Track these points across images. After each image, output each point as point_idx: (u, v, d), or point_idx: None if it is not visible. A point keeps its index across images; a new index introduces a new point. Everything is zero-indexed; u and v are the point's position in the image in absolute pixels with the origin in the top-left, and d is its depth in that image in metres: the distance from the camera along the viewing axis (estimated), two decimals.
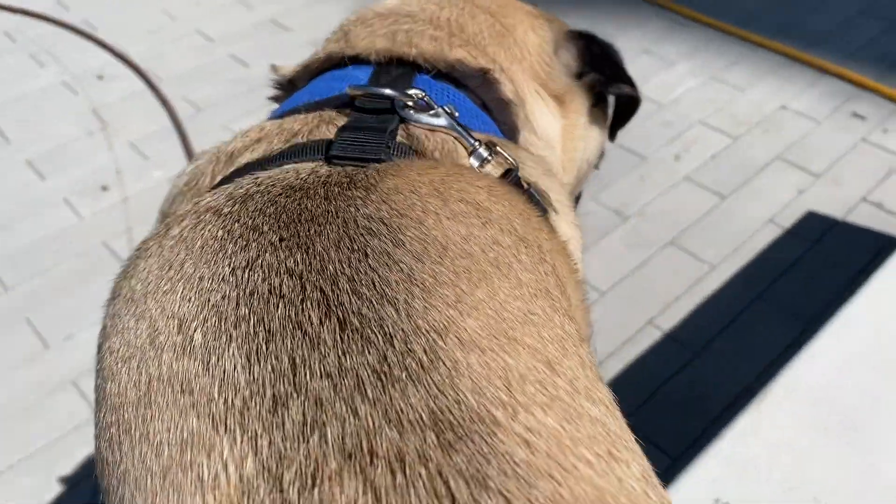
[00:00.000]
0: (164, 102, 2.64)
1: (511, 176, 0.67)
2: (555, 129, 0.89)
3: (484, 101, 0.79)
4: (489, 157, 0.68)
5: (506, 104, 0.81)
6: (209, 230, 0.52)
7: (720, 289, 1.95)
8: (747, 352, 1.79)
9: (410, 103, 0.68)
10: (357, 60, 0.79)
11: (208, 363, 0.42)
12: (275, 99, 0.88)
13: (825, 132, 2.43)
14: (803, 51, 2.77)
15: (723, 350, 1.80)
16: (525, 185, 0.68)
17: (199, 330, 0.44)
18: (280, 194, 0.54)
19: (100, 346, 0.51)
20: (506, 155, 0.69)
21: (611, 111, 1.08)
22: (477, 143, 0.68)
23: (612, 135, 1.08)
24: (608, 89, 0.98)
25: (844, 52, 2.76)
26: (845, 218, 2.12)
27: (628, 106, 1.03)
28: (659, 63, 2.76)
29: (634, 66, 2.72)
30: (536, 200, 0.67)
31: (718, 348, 1.81)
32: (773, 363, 1.75)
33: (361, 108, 0.67)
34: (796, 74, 2.68)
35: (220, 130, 2.51)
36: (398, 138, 0.65)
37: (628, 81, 0.99)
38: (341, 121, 0.67)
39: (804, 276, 1.96)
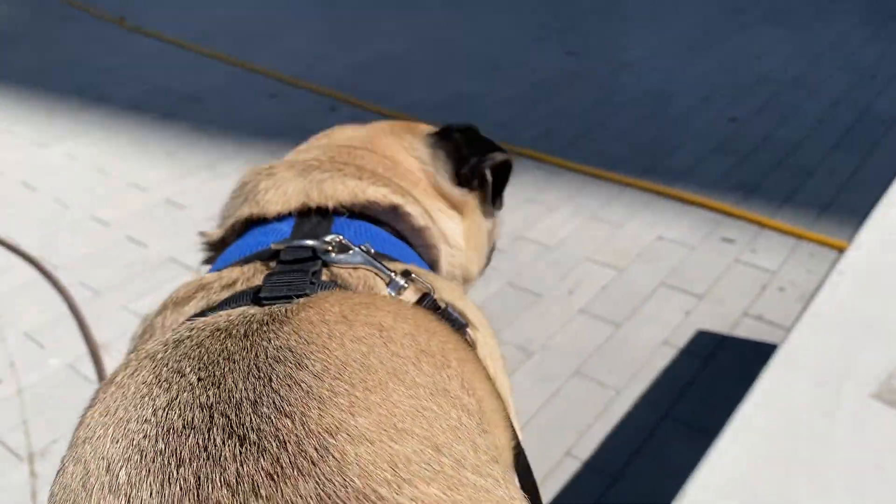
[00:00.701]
0: (59, 289, 2.60)
1: (427, 299, 0.74)
2: (461, 233, 1.01)
3: (400, 231, 0.89)
4: (405, 285, 0.76)
5: (419, 230, 0.91)
6: (142, 376, 0.57)
7: (628, 412, 2.02)
8: (663, 470, 1.84)
9: (330, 248, 0.76)
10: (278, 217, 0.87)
11: (129, 497, 0.47)
12: (207, 261, 0.93)
13: (700, 257, 2.63)
14: (669, 186, 3.04)
15: (640, 472, 1.85)
16: (443, 305, 0.75)
17: (123, 469, 0.49)
18: (207, 337, 0.59)
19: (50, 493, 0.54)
20: (421, 281, 0.77)
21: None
22: (393, 274, 0.76)
23: (497, 202, 1.13)
24: (484, 165, 1.04)
25: (706, 184, 3.04)
26: (732, 332, 2.27)
27: (503, 170, 1.09)
28: (542, 209, 2.96)
29: (521, 213, 2.91)
30: (454, 318, 0.75)
31: (635, 471, 1.85)
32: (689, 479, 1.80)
33: (286, 260, 0.74)
34: (667, 207, 2.93)
35: (119, 312, 2.48)
36: (322, 277, 0.73)
37: (496, 148, 1.06)
38: (270, 270, 0.74)
39: (703, 390, 2.06)
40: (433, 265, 0.95)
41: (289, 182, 0.88)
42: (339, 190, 0.87)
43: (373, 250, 0.78)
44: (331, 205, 0.85)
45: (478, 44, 4.63)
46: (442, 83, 4.11)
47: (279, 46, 4.70)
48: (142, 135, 3.76)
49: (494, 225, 1.17)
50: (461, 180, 1.04)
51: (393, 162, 0.98)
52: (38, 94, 4.25)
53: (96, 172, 3.43)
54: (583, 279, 2.56)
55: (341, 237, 0.77)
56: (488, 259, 1.19)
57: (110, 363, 2.24)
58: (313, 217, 0.84)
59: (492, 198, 1.09)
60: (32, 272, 2.72)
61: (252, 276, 0.74)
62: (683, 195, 2.97)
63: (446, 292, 0.81)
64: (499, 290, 2.52)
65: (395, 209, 0.89)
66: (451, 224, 1.00)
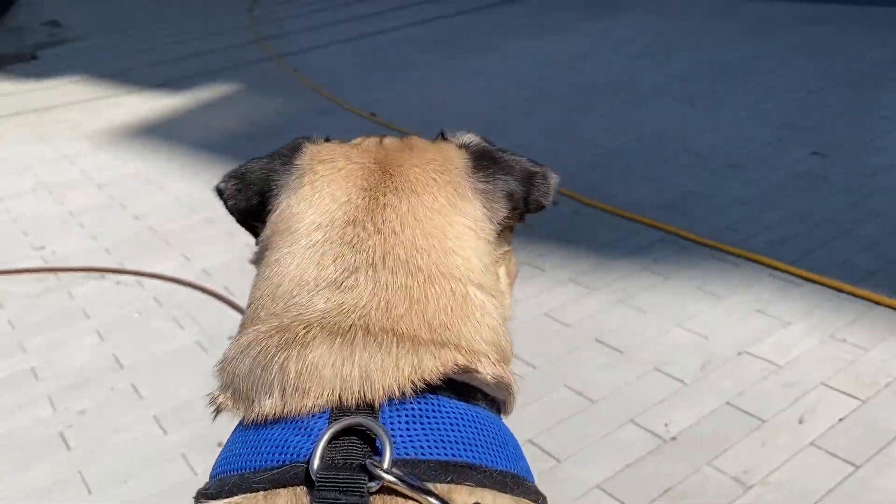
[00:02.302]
0: None
1: None
2: (504, 276, 0.90)
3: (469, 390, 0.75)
4: None
5: (492, 387, 0.76)
6: None
7: None
8: None
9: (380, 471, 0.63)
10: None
11: None
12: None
13: None
14: None
15: None
16: None
17: None
18: None
19: None
20: None
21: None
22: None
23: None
24: (549, 200, 0.93)
25: None
26: None
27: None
28: (773, 323, 2.71)
29: (747, 325, 2.68)
30: None
31: None
32: None
33: (323, 486, 0.63)
34: None
35: None
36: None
37: (520, 162, 0.93)
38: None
39: None
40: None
41: (325, 365, 0.70)
42: (386, 375, 0.69)
43: (425, 456, 0.66)
44: (377, 401, 0.68)
45: (711, 141, 4.46)
46: (668, 181, 3.99)
47: (507, 141, 4.83)
48: None
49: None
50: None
51: (463, 294, 0.78)
52: None
53: None
54: (817, 407, 2.29)
55: (390, 476, 0.63)
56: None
57: None
58: (354, 413, 0.68)
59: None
60: None
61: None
62: None
63: None
64: (715, 409, 2.32)
65: (465, 371, 0.73)
66: (501, 282, 0.88)
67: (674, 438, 2.23)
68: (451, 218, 0.83)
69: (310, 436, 0.66)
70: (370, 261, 0.78)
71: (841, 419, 2.22)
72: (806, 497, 1.96)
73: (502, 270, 0.89)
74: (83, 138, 5.83)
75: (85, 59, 8.82)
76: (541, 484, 2.18)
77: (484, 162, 0.90)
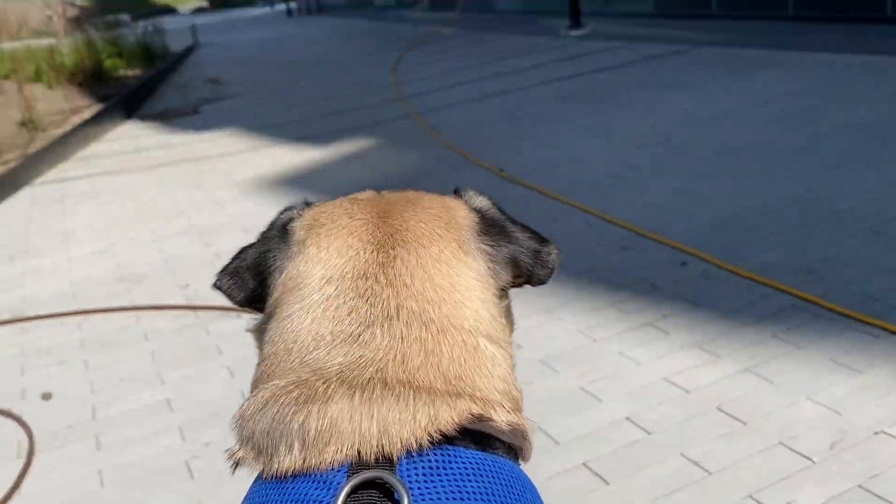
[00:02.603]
0: None
1: None
2: (507, 341, 0.87)
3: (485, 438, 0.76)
4: None
5: (507, 433, 0.77)
6: None
7: None
8: None
9: None
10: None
11: None
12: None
13: None
14: None
15: None
16: None
17: None
18: None
19: None
20: None
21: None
22: None
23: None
24: (551, 273, 0.92)
25: None
26: None
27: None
28: None
29: (887, 402, 2.48)
30: None
31: None
32: None
33: None
34: None
35: None
36: None
37: (546, 239, 0.93)
38: None
39: None
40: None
41: (344, 420, 0.71)
42: (404, 428, 0.70)
43: None
44: (395, 454, 0.69)
45: (856, 204, 4.21)
46: (806, 245, 3.79)
47: (638, 199, 4.77)
48: None
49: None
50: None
51: (457, 316, 0.81)
52: None
53: None
54: None
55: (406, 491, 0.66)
56: None
57: None
58: (372, 466, 0.69)
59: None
60: None
61: None
62: None
63: None
64: (845, 491, 2.15)
65: (477, 431, 0.74)
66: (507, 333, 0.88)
67: None
68: (458, 269, 0.84)
69: (329, 489, 0.67)
70: (385, 314, 0.78)
71: None
72: None
73: (505, 321, 0.89)
74: (233, 186, 6.25)
75: (240, 114, 9.51)
76: None
77: (491, 228, 0.90)
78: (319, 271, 0.83)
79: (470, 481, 0.69)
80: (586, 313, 3.40)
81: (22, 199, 6.63)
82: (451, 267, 0.83)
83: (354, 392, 0.72)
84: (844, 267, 3.51)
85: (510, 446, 0.78)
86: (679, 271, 3.72)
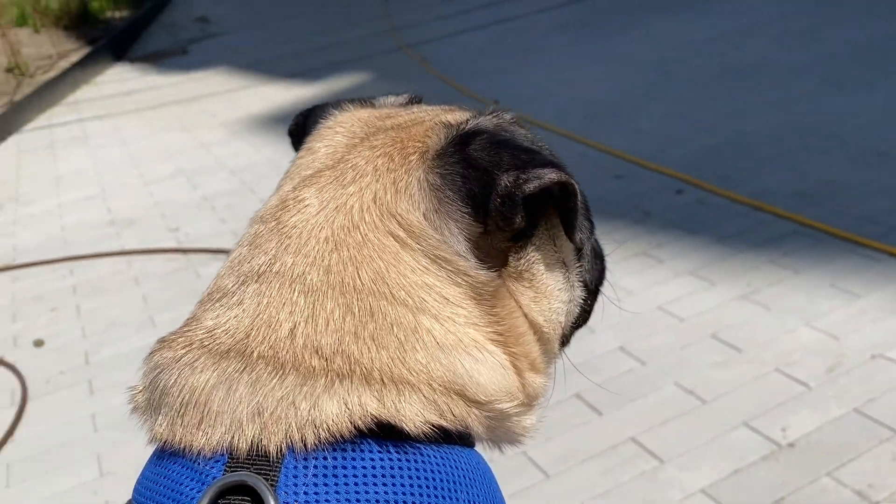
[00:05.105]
0: None
1: None
2: (503, 363, 0.69)
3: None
4: None
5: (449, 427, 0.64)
6: None
7: None
8: None
9: None
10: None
11: None
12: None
13: None
14: None
15: None
16: None
17: None
18: None
19: None
20: None
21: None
22: None
23: (572, 237, 0.71)
24: (521, 192, 0.64)
25: None
26: None
27: (561, 197, 0.68)
28: None
29: (885, 326, 2.44)
30: None
31: None
32: None
33: None
34: None
35: None
36: None
37: (543, 163, 0.66)
38: None
39: None
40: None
41: (208, 395, 0.61)
42: (284, 416, 0.59)
43: None
44: (273, 449, 0.59)
45: (857, 126, 4.10)
46: (807, 169, 3.70)
47: (632, 127, 4.66)
48: None
49: (560, 289, 0.77)
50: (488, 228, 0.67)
51: (386, 290, 0.64)
52: None
53: None
54: None
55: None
56: (585, 316, 0.86)
57: None
58: (248, 463, 0.59)
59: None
60: None
61: None
62: None
63: None
64: (841, 416, 2.13)
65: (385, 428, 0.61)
66: (488, 366, 0.67)
67: (791, 445, 2.07)
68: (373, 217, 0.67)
69: (203, 483, 0.58)
70: (257, 270, 0.66)
71: None
72: None
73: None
74: (222, 127, 6.14)
75: (229, 53, 9.30)
76: (641, 485, 2.09)
77: (451, 149, 0.68)
78: (271, 200, 0.72)
79: (376, 485, 0.57)
80: None
81: (10, 146, 6.53)
82: (364, 213, 0.66)
83: (219, 363, 0.62)
84: (844, 190, 3.43)
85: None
86: (674, 199, 3.65)
